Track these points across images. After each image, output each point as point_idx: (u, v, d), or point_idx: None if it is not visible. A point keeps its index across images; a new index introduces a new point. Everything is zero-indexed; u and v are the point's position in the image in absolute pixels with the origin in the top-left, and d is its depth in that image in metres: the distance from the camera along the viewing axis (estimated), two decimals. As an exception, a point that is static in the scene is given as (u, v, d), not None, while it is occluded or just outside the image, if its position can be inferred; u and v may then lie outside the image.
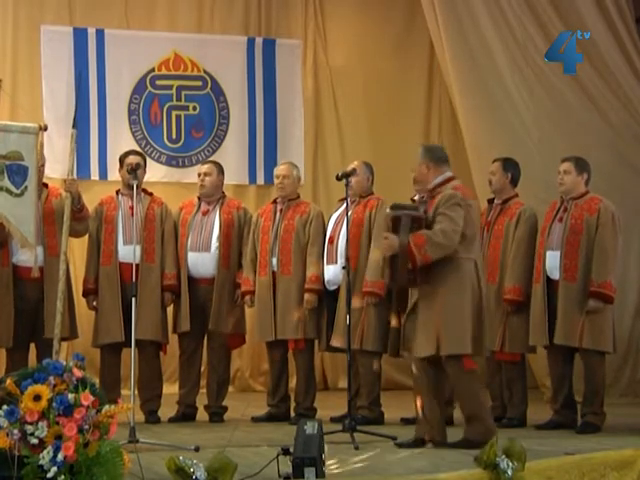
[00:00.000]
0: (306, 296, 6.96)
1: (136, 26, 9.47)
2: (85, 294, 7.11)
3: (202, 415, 7.16)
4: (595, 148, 8.10)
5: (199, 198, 7.31)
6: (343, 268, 6.51)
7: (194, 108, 9.54)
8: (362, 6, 10.05)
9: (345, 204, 6.48)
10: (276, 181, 7.29)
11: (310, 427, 4.72)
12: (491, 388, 6.93)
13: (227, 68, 9.63)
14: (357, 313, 6.76)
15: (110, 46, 9.27)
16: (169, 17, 9.61)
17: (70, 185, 6.21)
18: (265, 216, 7.21)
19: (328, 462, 4.83)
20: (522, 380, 6.92)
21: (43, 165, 6.55)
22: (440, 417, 5.77)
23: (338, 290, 6.89)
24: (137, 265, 6.38)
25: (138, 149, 8.55)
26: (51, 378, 3.78)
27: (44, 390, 3.74)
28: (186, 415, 7.11)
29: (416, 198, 6.89)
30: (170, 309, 7.25)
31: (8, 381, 3.78)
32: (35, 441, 3.68)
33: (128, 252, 6.61)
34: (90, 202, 6.95)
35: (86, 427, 3.71)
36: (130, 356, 5.77)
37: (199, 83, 9.57)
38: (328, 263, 6.97)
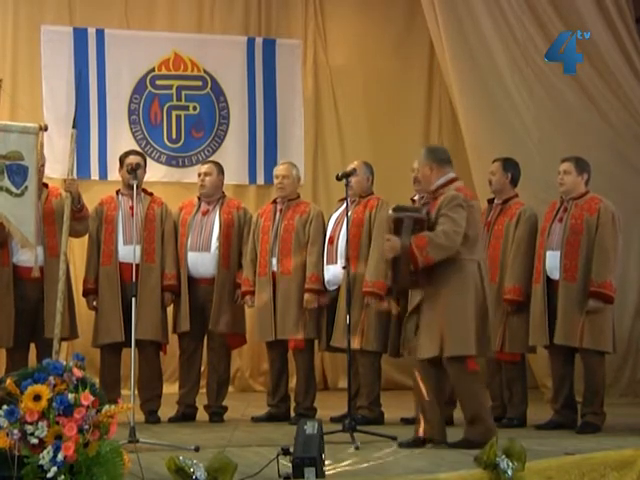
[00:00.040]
0: (306, 296, 6.96)
1: (136, 26, 9.47)
2: (85, 294, 7.11)
3: (202, 415, 7.16)
4: (595, 148, 8.10)
5: (199, 198, 7.31)
6: (343, 268, 6.52)
7: (194, 108, 9.54)
8: (362, 6, 10.05)
9: (345, 204, 6.48)
10: (275, 181, 7.29)
11: (310, 427, 4.72)
12: (491, 388, 6.93)
13: (227, 68, 9.63)
14: (357, 313, 6.76)
15: (110, 46, 9.27)
16: (169, 17, 9.61)
17: (70, 185, 6.21)
18: (265, 216, 7.21)
19: (327, 462, 4.83)
20: (522, 380, 6.92)
21: (43, 165, 6.55)
22: (440, 417, 5.78)
23: (338, 290, 6.90)
24: (137, 265, 6.38)
25: (138, 149, 8.55)
26: (51, 378, 3.78)
27: (44, 390, 3.74)
28: (186, 415, 7.11)
29: (416, 198, 6.92)
30: (170, 309, 7.25)
31: (8, 381, 3.78)
32: (35, 441, 3.68)
33: (128, 252, 6.61)
34: (90, 202, 6.95)
35: (86, 427, 3.71)
36: (130, 356, 5.78)
37: (199, 83, 9.57)
38: (328, 263, 6.97)
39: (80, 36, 9.21)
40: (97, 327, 7.03)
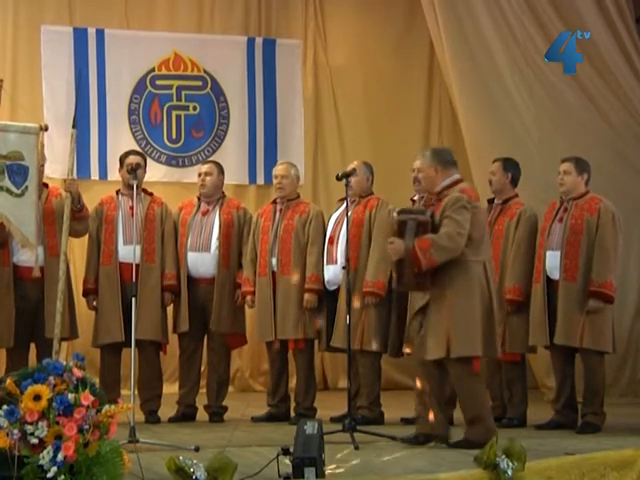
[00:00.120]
0: (306, 296, 6.95)
1: (136, 26, 9.47)
2: (85, 294, 7.11)
3: (202, 415, 7.16)
4: (595, 148, 8.10)
5: (199, 198, 7.31)
6: (343, 268, 6.51)
7: (194, 108, 9.54)
8: (362, 6, 10.05)
9: (345, 204, 6.48)
10: (274, 181, 7.29)
11: (310, 427, 4.73)
12: (491, 388, 6.91)
13: (227, 68, 9.63)
14: (357, 313, 6.76)
15: (110, 46, 9.27)
16: (169, 17, 9.61)
17: (70, 185, 6.21)
18: (265, 216, 7.21)
19: (328, 462, 4.83)
20: (522, 380, 6.92)
21: (43, 165, 6.55)
22: (442, 415, 5.79)
23: (338, 290, 6.90)
24: (137, 265, 6.38)
25: (138, 149, 8.55)
26: (51, 378, 3.78)
27: (44, 390, 3.74)
28: (186, 415, 7.11)
29: (415, 198, 6.92)
30: (170, 309, 7.25)
31: (8, 381, 3.78)
32: (35, 441, 3.68)
33: (128, 252, 6.61)
34: (90, 202, 6.95)
35: (86, 427, 3.71)
36: (130, 356, 5.78)
37: (199, 83, 9.57)
38: (328, 263, 6.97)
39: (80, 36, 9.21)
40: (97, 327, 7.02)
